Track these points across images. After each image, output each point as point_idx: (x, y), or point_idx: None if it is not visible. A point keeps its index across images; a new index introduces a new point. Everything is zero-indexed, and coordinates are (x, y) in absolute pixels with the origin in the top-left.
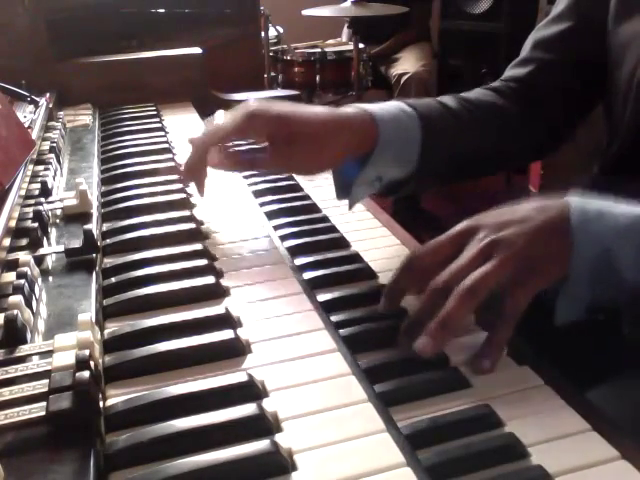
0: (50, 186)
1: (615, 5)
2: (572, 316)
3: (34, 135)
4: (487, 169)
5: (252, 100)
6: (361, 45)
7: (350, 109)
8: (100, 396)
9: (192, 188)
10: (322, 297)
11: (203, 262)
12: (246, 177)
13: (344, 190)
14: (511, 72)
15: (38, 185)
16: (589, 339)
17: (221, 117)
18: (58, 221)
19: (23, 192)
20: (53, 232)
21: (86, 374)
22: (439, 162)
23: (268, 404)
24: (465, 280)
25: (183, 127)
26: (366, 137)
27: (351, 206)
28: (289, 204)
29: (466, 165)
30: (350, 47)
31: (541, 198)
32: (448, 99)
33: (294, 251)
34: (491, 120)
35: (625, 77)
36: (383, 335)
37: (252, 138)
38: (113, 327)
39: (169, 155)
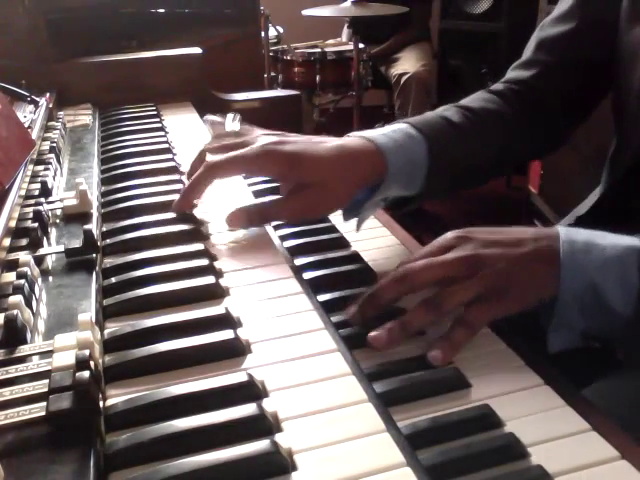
0: (50, 186)
1: (628, 4)
2: (565, 344)
3: (34, 135)
4: (489, 176)
5: (263, 136)
6: (361, 45)
7: (357, 142)
8: (100, 396)
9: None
10: (322, 297)
11: (203, 262)
12: (246, 177)
13: (350, 212)
14: (514, 74)
15: (38, 185)
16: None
17: (230, 123)
18: (58, 221)
19: (23, 192)
20: (53, 232)
21: (86, 374)
22: (445, 180)
23: (268, 404)
24: (439, 294)
25: (183, 127)
26: (375, 171)
27: (359, 227)
28: None
29: (470, 176)
30: (350, 47)
31: (538, 228)
32: (452, 112)
33: (294, 251)
34: (495, 129)
35: None
36: None
37: (262, 176)
38: (113, 327)
39: (169, 155)
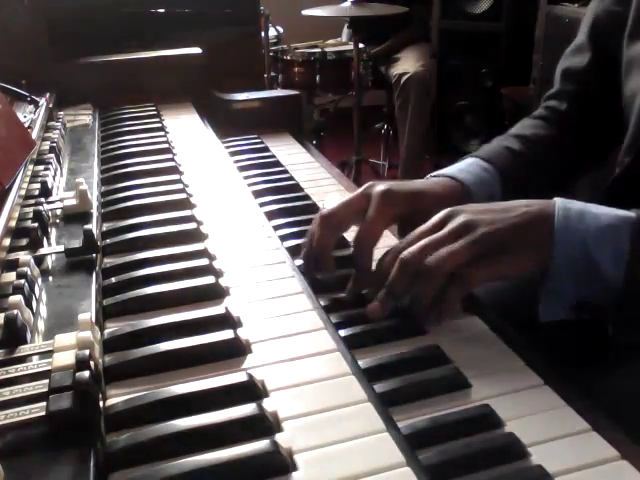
0: (50, 186)
1: (632, 22)
2: (557, 315)
3: (34, 135)
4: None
5: (376, 184)
6: (361, 45)
7: (445, 180)
8: (100, 396)
9: (191, 188)
10: (322, 297)
11: (203, 262)
12: (246, 177)
13: None
14: (551, 103)
15: (38, 185)
16: (587, 336)
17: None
18: (58, 221)
19: (23, 192)
20: (53, 232)
21: (86, 374)
22: None
23: (268, 404)
24: (432, 257)
25: (183, 127)
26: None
27: None
28: (289, 204)
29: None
30: (350, 47)
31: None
32: (512, 142)
33: (294, 251)
34: (549, 155)
35: (630, 94)
36: (383, 335)
37: (386, 217)
38: (113, 327)
39: (169, 155)
